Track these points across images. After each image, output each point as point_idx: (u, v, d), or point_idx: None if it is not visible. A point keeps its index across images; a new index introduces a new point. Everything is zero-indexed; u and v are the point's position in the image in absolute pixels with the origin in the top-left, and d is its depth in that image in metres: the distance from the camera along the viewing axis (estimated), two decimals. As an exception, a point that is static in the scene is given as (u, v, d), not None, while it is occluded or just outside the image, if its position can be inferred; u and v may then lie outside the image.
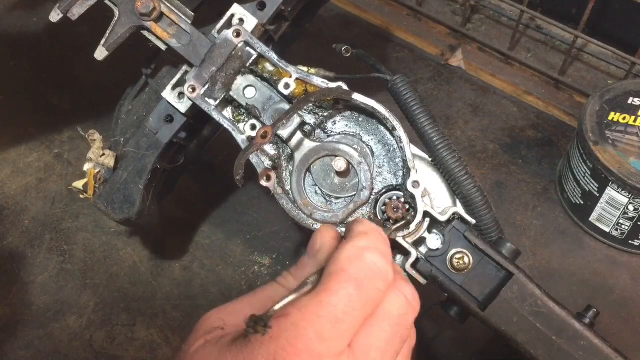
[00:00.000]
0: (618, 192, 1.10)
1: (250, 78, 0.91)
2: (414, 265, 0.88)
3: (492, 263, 0.87)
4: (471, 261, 0.87)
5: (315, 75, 0.90)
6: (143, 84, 1.04)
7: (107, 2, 0.93)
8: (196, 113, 0.96)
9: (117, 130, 1.03)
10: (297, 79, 0.89)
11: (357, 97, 0.87)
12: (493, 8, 1.56)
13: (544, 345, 0.85)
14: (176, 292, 1.12)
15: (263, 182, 0.88)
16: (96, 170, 0.97)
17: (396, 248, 0.93)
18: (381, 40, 1.50)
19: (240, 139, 0.90)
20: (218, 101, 0.91)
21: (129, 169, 0.98)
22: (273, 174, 0.88)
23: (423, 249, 0.89)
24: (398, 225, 0.85)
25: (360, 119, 0.92)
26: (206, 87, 0.91)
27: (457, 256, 0.87)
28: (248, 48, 0.91)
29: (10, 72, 1.41)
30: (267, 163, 0.89)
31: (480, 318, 0.86)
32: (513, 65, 1.46)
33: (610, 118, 1.15)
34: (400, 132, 0.87)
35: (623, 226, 1.14)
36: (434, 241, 0.88)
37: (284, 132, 0.88)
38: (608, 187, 1.11)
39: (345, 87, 0.88)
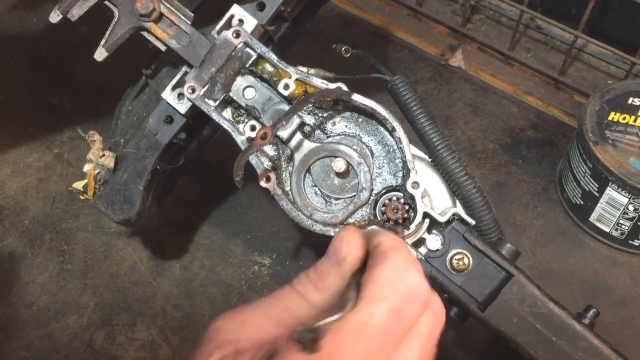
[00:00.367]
0: (618, 192, 1.10)
1: (250, 79, 0.91)
2: (413, 266, 0.88)
3: (492, 264, 0.87)
4: (471, 262, 0.87)
5: (315, 75, 0.90)
6: (143, 84, 1.04)
7: (106, 2, 0.93)
8: (196, 114, 0.96)
9: (117, 131, 1.03)
10: (296, 79, 0.89)
11: (357, 97, 0.87)
12: (493, 8, 1.55)
13: (543, 346, 0.85)
14: (176, 292, 1.12)
15: (263, 183, 0.88)
16: (96, 171, 0.97)
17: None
18: (381, 40, 1.50)
19: (240, 139, 0.90)
20: (217, 102, 0.91)
21: (128, 169, 0.98)
22: (273, 175, 0.88)
23: (423, 250, 0.89)
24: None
25: (360, 120, 0.92)
26: (206, 87, 0.91)
27: (457, 257, 0.87)
28: (247, 49, 0.91)
29: (10, 72, 1.41)
30: (267, 164, 0.89)
31: (480, 319, 0.87)
32: (513, 65, 1.46)
33: (610, 118, 1.15)
34: (400, 132, 0.88)
35: (623, 226, 1.14)
36: (433, 242, 0.88)
37: (284, 133, 0.88)
38: (608, 187, 1.11)
39: (344, 87, 0.88)
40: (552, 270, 1.16)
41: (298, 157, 0.90)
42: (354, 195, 0.90)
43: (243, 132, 0.91)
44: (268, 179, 0.88)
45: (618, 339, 0.91)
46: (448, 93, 1.40)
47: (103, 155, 0.98)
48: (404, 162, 0.88)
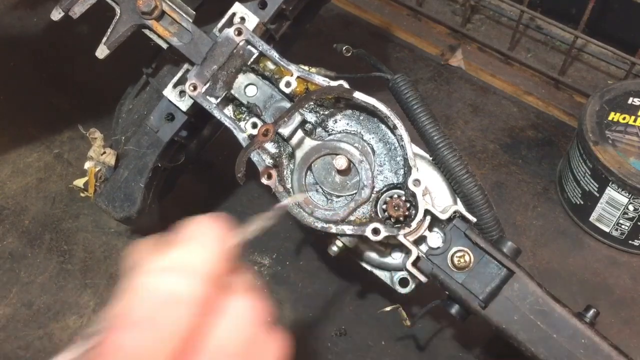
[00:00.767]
0: (618, 192, 1.10)
1: (252, 76, 0.91)
2: (414, 264, 0.88)
3: (493, 261, 0.87)
4: (472, 259, 0.87)
5: (316, 74, 0.90)
6: (143, 83, 1.04)
7: (108, 0, 0.93)
8: (197, 111, 0.96)
9: (118, 129, 1.03)
10: (298, 77, 0.89)
11: (358, 95, 0.88)
12: (493, 8, 1.56)
13: (544, 343, 0.85)
14: (176, 292, 1.12)
15: (264, 180, 0.88)
16: (97, 169, 0.97)
17: (397, 246, 0.94)
18: (381, 40, 1.50)
19: (242, 137, 0.90)
20: (219, 99, 0.91)
21: (129, 167, 0.98)
22: (274, 172, 0.88)
23: (424, 247, 0.89)
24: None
25: (361, 118, 0.92)
26: (207, 85, 0.91)
27: (458, 254, 0.88)
28: (249, 46, 0.91)
29: (10, 72, 1.40)
30: (268, 161, 0.89)
31: (481, 316, 0.87)
32: (513, 65, 1.46)
33: (610, 118, 1.16)
34: (402, 130, 0.88)
35: (623, 226, 1.14)
36: (434, 239, 0.88)
37: (285, 131, 0.89)
38: (608, 187, 1.11)
39: (346, 85, 0.88)
40: (552, 270, 1.16)
41: (299, 154, 0.90)
42: (355, 193, 0.90)
43: (244, 130, 0.91)
44: (269, 177, 0.88)
45: (618, 339, 0.91)
46: (448, 93, 1.40)
47: (104, 152, 0.98)
48: (405, 160, 0.88)
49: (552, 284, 1.11)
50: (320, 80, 0.89)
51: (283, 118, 0.87)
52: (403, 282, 0.95)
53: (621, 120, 1.15)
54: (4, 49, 1.44)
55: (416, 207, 0.87)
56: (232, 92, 0.91)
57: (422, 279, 0.88)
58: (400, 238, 0.86)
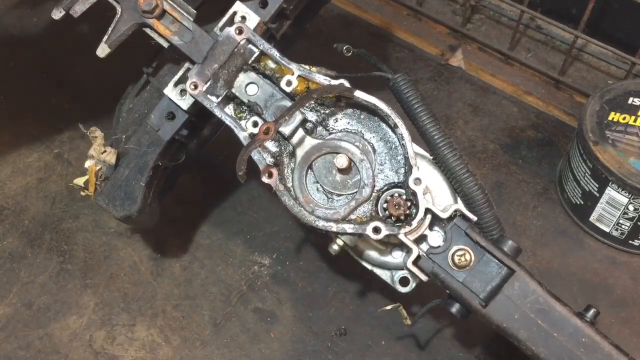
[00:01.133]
0: (618, 192, 1.10)
1: (253, 75, 0.91)
2: (415, 262, 0.88)
3: (494, 260, 0.87)
4: (472, 258, 0.87)
5: (317, 73, 0.90)
6: (144, 82, 1.04)
7: (109, -1, 0.93)
8: (198, 110, 0.96)
9: (118, 128, 1.03)
10: (299, 76, 0.89)
11: (359, 94, 0.88)
12: (493, 8, 1.56)
13: (545, 342, 0.85)
14: (176, 292, 1.12)
15: (265, 179, 0.88)
16: (97, 167, 0.97)
17: (398, 245, 0.94)
18: (381, 40, 1.50)
19: (242, 135, 0.90)
20: (220, 98, 0.91)
21: (130, 166, 0.98)
22: (275, 171, 0.88)
23: (424, 246, 0.89)
24: None
25: (362, 117, 0.92)
26: (208, 84, 0.91)
27: (459, 253, 0.87)
28: (250, 45, 0.91)
29: (10, 72, 1.40)
30: (269, 160, 0.89)
31: (482, 315, 0.87)
32: (513, 65, 1.46)
33: (610, 118, 1.16)
34: (402, 129, 0.88)
35: (623, 226, 1.15)
36: (435, 238, 0.88)
37: (286, 129, 0.89)
38: (608, 187, 1.11)
39: (347, 84, 0.88)
40: (552, 270, 1.16)
41: (300, 153, 0.90)
42: (356, 192, 0.90)
43: (245, 129, 0.91)
44: (270, 175, 0.88)
45: (618, 339, 0.91)
46: (448, 93, 1.40)
47: (104, 151, 0.98)
48: (406, 159, 0.88)
49: (552, 284, 1.11)
50: (321, 79, 0.89)
51: (284, 117, 0.87)
52: (403, 281, 0.95)
53: (621, 120, 1.15)
54: (4, 49, 1.44)
55: (417, 206, 0.87)
56: (233, 90, 0.91)
57: (423, 277, 0.88)
58: (401, 237, 0.86)
